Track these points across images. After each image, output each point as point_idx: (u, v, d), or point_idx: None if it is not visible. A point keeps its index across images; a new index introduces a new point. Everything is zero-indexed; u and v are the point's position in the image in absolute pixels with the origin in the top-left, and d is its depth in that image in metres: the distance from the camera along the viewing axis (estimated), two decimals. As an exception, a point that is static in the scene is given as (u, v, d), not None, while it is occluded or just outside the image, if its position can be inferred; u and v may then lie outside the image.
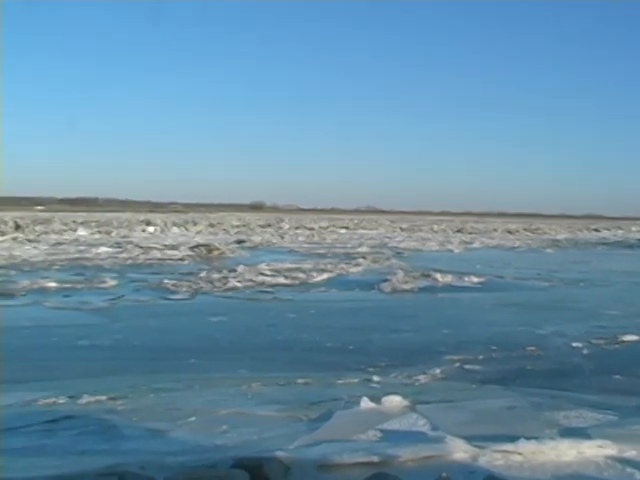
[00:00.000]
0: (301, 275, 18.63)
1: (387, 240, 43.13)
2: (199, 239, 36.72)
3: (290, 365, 8.39)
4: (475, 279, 18.59)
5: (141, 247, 29.56)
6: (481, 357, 8.85)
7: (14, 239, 35.31)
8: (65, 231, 45.26)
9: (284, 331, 10.91)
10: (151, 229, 49.90)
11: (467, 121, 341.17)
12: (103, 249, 28.08)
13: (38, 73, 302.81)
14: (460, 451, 4.60)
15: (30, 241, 34.03)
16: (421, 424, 5.45)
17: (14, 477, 4.30)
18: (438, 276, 18.57)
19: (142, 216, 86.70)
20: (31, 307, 13.02)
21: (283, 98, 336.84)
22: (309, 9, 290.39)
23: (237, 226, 61.64)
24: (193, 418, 5.74)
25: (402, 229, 66.54)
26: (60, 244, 32.22)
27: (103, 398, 6.45)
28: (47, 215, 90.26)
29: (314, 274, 18.99)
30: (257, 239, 40.48)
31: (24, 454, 4.86)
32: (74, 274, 18.68)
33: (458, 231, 64.24)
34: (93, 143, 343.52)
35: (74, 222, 59.64)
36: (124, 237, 39.88)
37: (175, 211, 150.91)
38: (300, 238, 44.10)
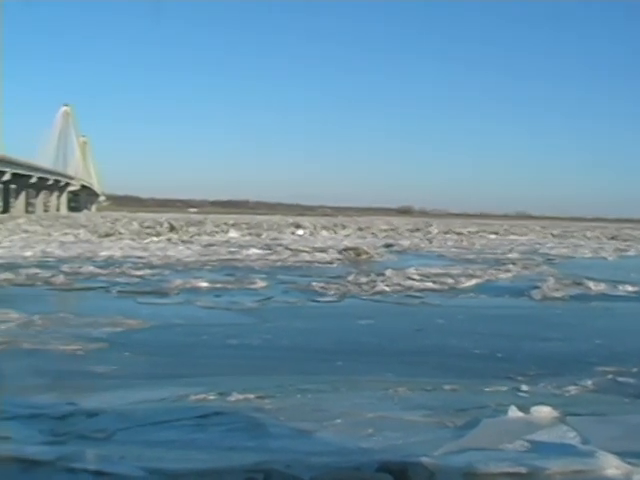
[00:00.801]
0: (449, 280, 18.45)
1: (538, 246, 42.15)
2: (347, 242, 36.95)
3: (437, 370, 8.31)
4: (630, 288, 17.92)
5: (290, 249, 29.99)
6: (635, 370, 8.49)
7: (168, 240, 36.53)
8: (217, 233, 46.47)
9: (431, 336, 10.85)
10: (300, 232, 50.59)
11: (627, 122, 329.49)
12: (253, 251, 28.68)
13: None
14: (612, 467, 4.44)
15: (183, 242, 35.14)
16: (571, 436, 5.30)
17: (167, 468, 4.45)
18: (590, 284, 18.01)
19: (291, 219, 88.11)
20: (183, 306, 13.43)
21: (435, 100, 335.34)
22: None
23: (385, 230, 61.66)
24: (339, 420, 5.77)
25: (553, 235, 64.86)
26: (212, 245, 33.12)
27: (251, 396, 6.58)
28: (200, 217, 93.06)
29: (463, 279, 18.77)
30: (405, 243, 40.38)
31: (176, 446, 5.02)
32: (225, 275, 19.16)
33: (612, 238, 62.06)
34: (245, 147, 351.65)
35: (225, 224, 61.16)
36: (274, 239, 40.58)
37: (324, 214, 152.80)
38: (449, 243, 43.72)
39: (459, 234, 58.48)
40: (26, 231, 42.14)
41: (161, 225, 51.99)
